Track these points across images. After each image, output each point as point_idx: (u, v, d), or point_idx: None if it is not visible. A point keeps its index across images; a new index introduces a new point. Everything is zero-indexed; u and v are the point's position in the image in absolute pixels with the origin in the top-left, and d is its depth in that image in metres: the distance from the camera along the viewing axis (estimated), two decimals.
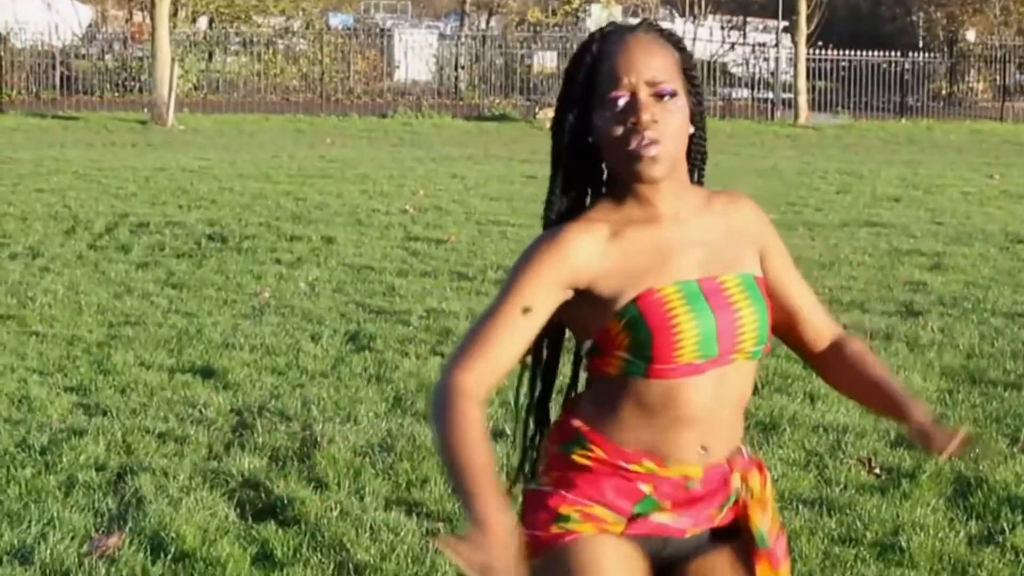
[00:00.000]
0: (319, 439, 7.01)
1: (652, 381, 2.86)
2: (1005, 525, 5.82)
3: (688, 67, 2.92)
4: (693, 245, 2.91)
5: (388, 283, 11.75)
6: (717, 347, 2.85)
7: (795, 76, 36.30)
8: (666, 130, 2.82)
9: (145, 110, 33.25)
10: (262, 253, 13.35)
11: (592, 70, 2.86)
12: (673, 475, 2.92)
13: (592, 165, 2.94)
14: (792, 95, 36.56)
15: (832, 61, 39.61)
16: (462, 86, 40.01)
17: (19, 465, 6.70)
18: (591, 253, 2.85)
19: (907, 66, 40.35)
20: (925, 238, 14.35)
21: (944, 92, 41.74)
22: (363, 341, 9.44)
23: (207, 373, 8.60)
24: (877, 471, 6.57)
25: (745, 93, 39.54)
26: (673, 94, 2.84)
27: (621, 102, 2.81)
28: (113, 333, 9.81)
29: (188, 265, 12.75)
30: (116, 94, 37.68)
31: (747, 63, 40.89)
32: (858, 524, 5.84)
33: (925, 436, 2.96)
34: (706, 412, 2.89)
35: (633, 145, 2.80)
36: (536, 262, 2.86)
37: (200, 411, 7.68)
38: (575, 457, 2.92)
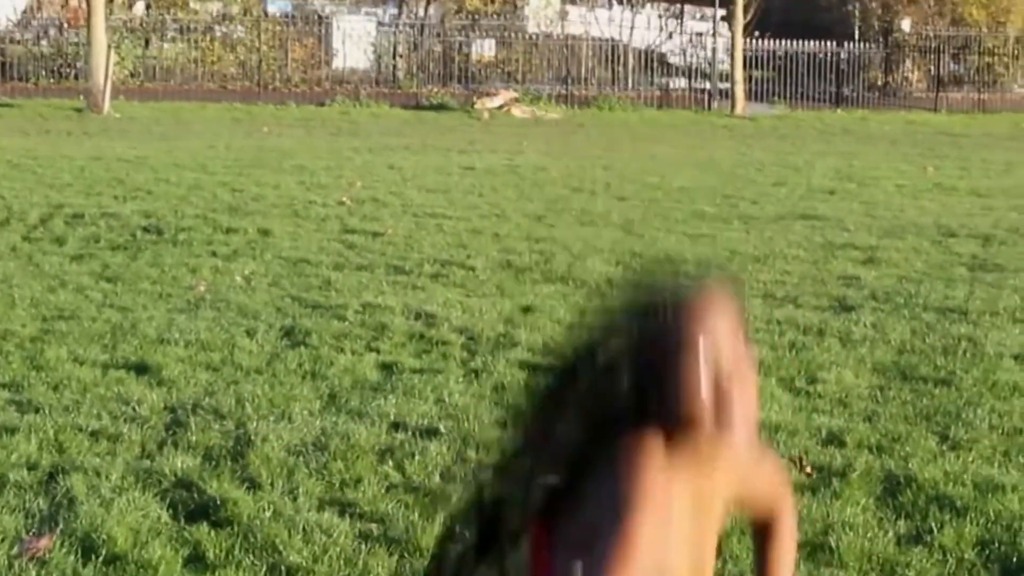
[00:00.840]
0: (253, 438, 7.00)
1: None
2: (933, 524, 5.88)
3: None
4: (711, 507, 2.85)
5: (324, 277, 11.73)
6: None
7: (732, 66, 36.44)
8: (753, 399, 2.76)
9: (81, 97, 32.99)
10: (198, 246, 13.29)
11: (669, 349, 2.71)
12: None
13: None
14: (729, 85, 36.68)
15: (769, 51, 39.77)
16: (400, 75, 39.92)
17: None
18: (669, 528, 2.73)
19: (843, 56, 40.57)
20: (859, 231, 14.44)
21: (879, 82, 42.00)
22: (298, 336, 9.43)
23: (141, 369, 8.57)
24: (808, 470, 6.63)
25: (683, 83, 39.65)
26: (751, 358, 2.80)
27: (709, 385, 2.76)
28: (47, 327, 9.75)
29: (123, 258, 12.69)
30: (51, 81, 37.37)
31: (684, 53, 40.99)
32: None
33: None
34: None
35: (728, 418, 2.69)
36: (648, 534, 2.67)
37: (134, 408, 7.66)
38: None
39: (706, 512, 2.81)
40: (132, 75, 37.73)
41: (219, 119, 31.44)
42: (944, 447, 6.99)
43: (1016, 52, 43.32)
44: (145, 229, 14.13)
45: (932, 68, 41.87)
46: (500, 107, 34.58)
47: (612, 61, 40.19)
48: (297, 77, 39.27)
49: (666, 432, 2.73)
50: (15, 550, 5.50)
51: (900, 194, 18.14)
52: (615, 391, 2.74)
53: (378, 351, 9.06)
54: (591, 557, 2.65)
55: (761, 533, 3.11)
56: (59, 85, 36.84)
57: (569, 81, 38.92)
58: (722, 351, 2.72)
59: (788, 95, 39.02)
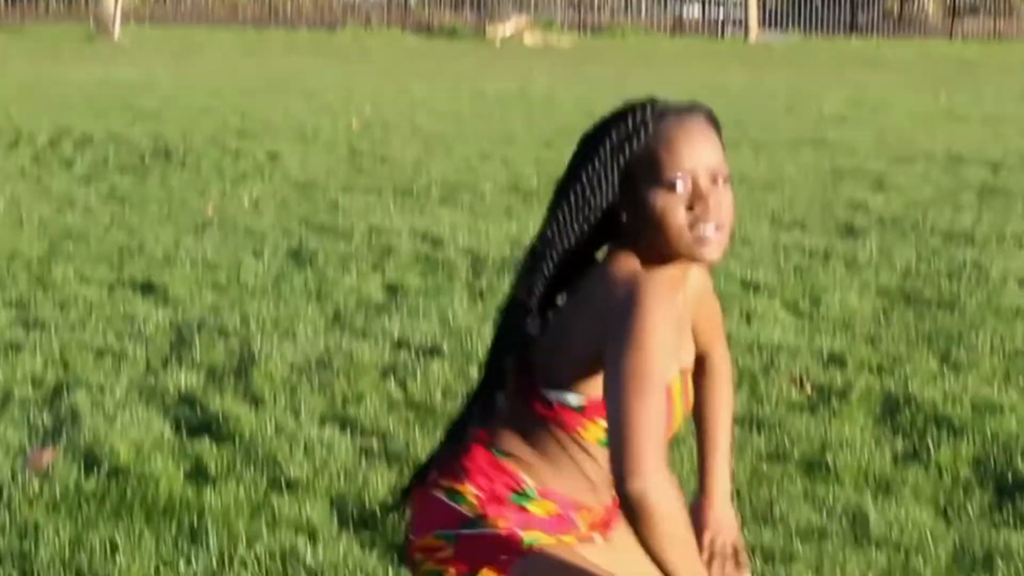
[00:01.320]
0: (257, 356, 7.04)
1: None
2: (931, 443, 5.91)
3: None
4: (684, 324, 3.03)
5: (332, 199, 11.74)
6: None
7: None
8: (727, 215, 2.88)
9: (91, 23, 32.92)
10: (206, 169, 13.30)
11: (649, 150, 2.86)
12: (595, 516, 3.05)
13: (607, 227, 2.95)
14: (743, 12, 36.50)
15: None
16: (412, 0, 39.76)
17: None
18: (674, 314, 2.87)
19: None
20: (869, 157, 14.42)
21: (895, 10, 41.76)
22: (305, 257, 9.46)
23: (147, 289, 8.61)
24: (809, 390, 6.66)
25: (697, 10, 39.47)
26: (727, 179, 2.88)
27: (685, 186, 2.84)
28: (54, 248, 9.79)
29: (131, 180, 12.70)
30: (62, 6, 37.27)
31: None
32: (787, 441, 5.92)
33: (701, 522, 3.18)
34: None
35: (700, 232, 2.85)
36: (666, 318, 2.81)
37: (139, 327, 7.70)
38: (530, 507, 2.96)
39: (681, 327, 3.01)
40: (142, 0, 37.62)
41: (229, 45, 31.38)
42: (945, 368, 7.01)
43: None
44: (154, 152, 14.14)
45: None
46: (512, 34, 34.46)
47: None
48: (308, 2, 39.13)
49: (645, 243, 2.91)
50: (19, 462, 5.55)
51: (911, 121, 18.09)
52: (603, 192, 2.90)
53: (384, 272, 9.09)
54: (612, 340, 2.78)
55: (697, 370, 3.25)
56: (69, 10, 36.76)
57: (582, 8, 38.76)
58: (699, 159, 2.86)
59: (802, 23, 38.83)
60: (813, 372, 6.93)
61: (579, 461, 2.97)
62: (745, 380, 6.77)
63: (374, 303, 8.28)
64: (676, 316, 2.89)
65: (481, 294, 8.49)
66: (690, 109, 2.92)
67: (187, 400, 6.39)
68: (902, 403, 6.41)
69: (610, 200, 2.89)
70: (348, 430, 6.01)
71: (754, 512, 5.23)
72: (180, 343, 7.39)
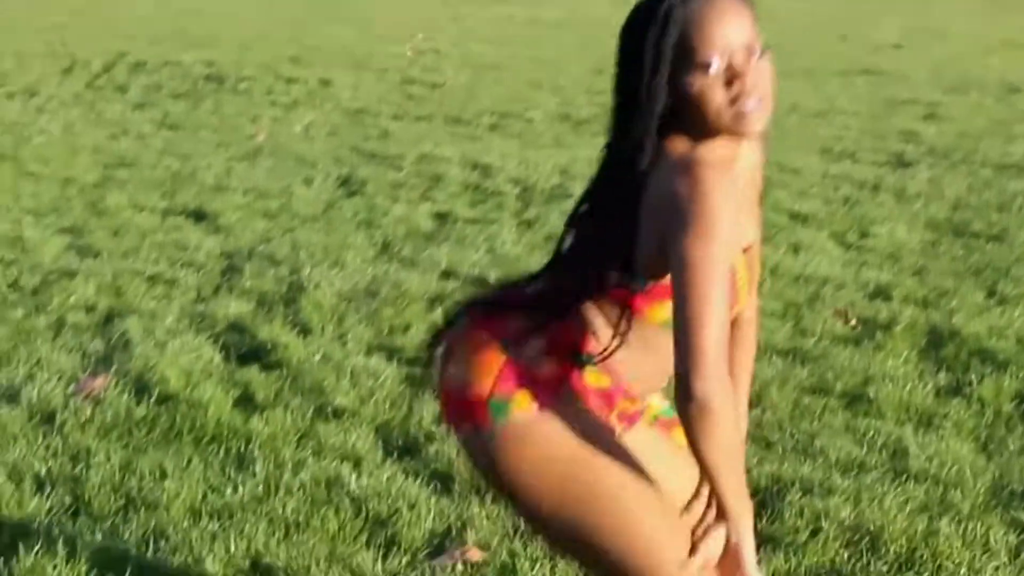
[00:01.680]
0: (306, 284, 7.11)
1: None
2: (973, 377, 5.92)
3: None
4: (744, 201, 3.04)
5: (382, 127, 11.78)
6: None
7: None
8: (767, 87, 2.91)
9: None
10: (258, 95, 13.37)
11: (683, 34, 2.88)
12: (628, 408, 3.10)
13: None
14: None
15: None
16: None
17: (11, 306, 6.81)
18: (733, 194, 2.89)
19: None
20: (922, 87, 14.33)
21: None
22: (355, 186, 9.52)
23: (199, 216, 8.69)
24: (853, 323, 6.67)
25: None
26: (763, 51, 2.91)
27: (719, 65, 2.87)
28: (108, 175, 9.89)
29: (184, 106, 12.78)
30: None
31: None
32: (829, 375, 5.95)
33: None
34: None
35: (743, 106, 2.87)
36: (728, 212, 2.82)
37: (191, 254, 7.78)
38: (588, 377, 3.02)
39: (741, 199, 2.99)
40: None
41: None
42: (991, 302, 7.00)
43: None
44: (207, 78, 14.21)
45: None
46: None
47: None
48: None
49: (692, 126, 2.93)
50: (71, 388, 5.64)
51: (968, 50, 17.94)
52: (659, 90, 2.91)
53: (433, 201, 9.13)
54: (676, 230, 2.81)
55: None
56: None
57: None
58: (731, 36, 2.89)
59: None
60: (858, 305, 6.94)
61: (637, 345, 3.03)
62: (790, 312, 6.79)
63: (423, 232, 8.33)
64: (736, 197, 2.91)
65: (529, 224, 8.53)
66: None
67: (236, 328, 6.47)
68: (946, 336, 6.42)
69: (666, 94, 2.92)
70: (394, 359, 6.07)
71: (795, 445, 5.27)
72: (231, 271, 7.47)
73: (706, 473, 2.88)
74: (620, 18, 2.98)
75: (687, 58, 2.87)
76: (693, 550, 2.97)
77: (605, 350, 3.00)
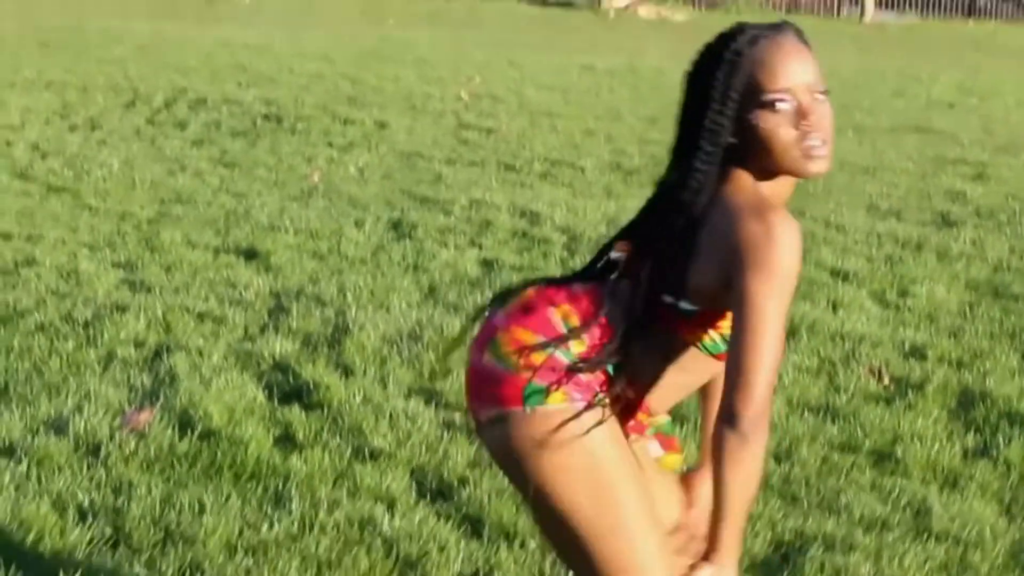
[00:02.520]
0: (351, 326, 7.26)
1: (711, 359, 3.17)
2: (1001, 439, 6.02)
3: None
4: None
5: (436, 171, 11.95)
6: None
7: None
8: (829, 128, 3.06)
9: None
10: (315, 135, 13.57)
11: (749, 74, 3.04)
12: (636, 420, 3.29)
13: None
14: None
15: None
16: None
17: (63, 338, 7.00)
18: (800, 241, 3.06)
19: None
20: (972, 147, 14.38)
21: None
22: (405, 229, 9.68)
23: (251, 255, 8.87)
24: (886, 381, 6.77)
25: None
26: (825, 93, 3.05)
27: (787, 105, 3.02)
28: (163, 210, 10.09)
29: (242, 144, 13.00)
30: None
31: None
32: (859, 432, 6.05)
33: (690, 495, 3.38)
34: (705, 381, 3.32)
35: (807, 145, 3.03)
36: (799, 260, 3.01)
37: (240, 292, 7.96)
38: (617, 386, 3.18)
39: None
40: None
41: (347, 8, 31.65)
42: None
43: None
44: (265, 116, 14.43)
45: None
46: (627, 6, 34.44)
47: None
48: None
49: (755, 164, 3.08)
50: (117, 421, 5.81)
51: (1020, 111, 17.96)
52: (725, 128, 3.08)
53: (480, 247, 9.29)
54: (747, 270, 2.97)
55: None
56: None
57: None
58: (797, 76, 3.05)
59: (920, 3, 38.47)
60: (893, 364, 7.04)
61: (676, 366, 3.19)
62: (824, 369, 6.90)
63: (469, 278, 8.48)
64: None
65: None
66: (780, 29, 3.11)
67: (281, 367, 6.63)
68: (977, 398, 6.52)
69: (730, 132, 3.07)
70: (433, 403, 6.22)
71: (820, 501, 5.38)
72: (278, 310, 7.64)
73: (719, 503, 3.01)
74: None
75: (755, 97, 3.03)
76: None
77: (637, 364, 3.14)
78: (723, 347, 3.10)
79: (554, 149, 13.26)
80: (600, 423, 3.10)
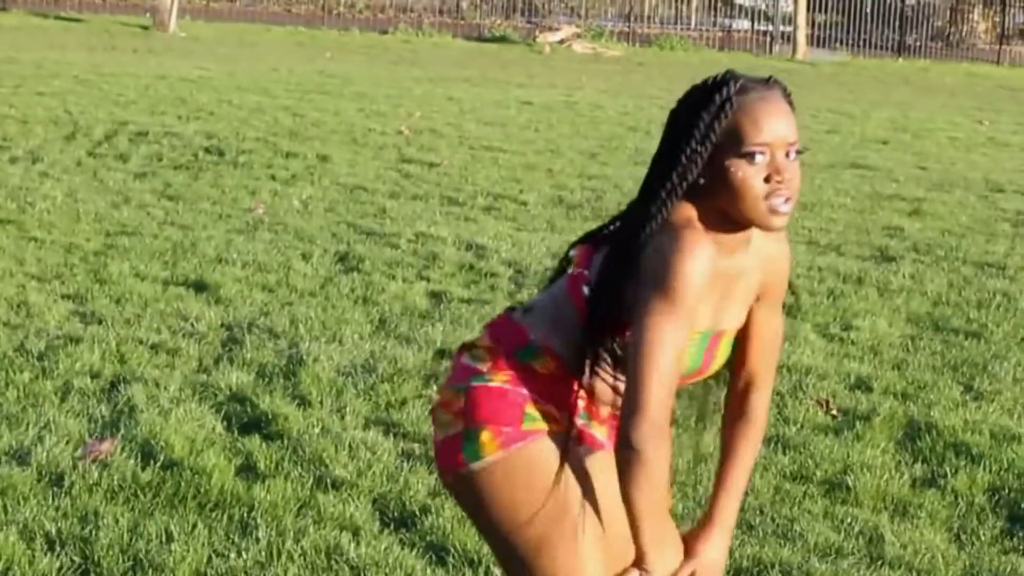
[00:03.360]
0: (305, 357, 7.32)
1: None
2: (948, 469, 6.16)
3: None
4: (736, 290, 3.28)
5: (380, 204, 12.03)
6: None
7: (795, 9, 36.38)
8: (796, 187, 3.16)
9: (147, 15, 33.34)
10: (258, 168, 13.62)
11: (733, 122, 3.12)
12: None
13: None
14: (792, 29, 36.66)
15: None
16: (464, 5, 40.07)
17: (17, 369, 7.02)
18: (711, 270, 3.13)
19: (908, 3, 40.44)
20: (908, 183, 14.63)
21: (945, 32, 41.82)
22: (352, 262, 9.75)
23: (200, 287, 8.91)
24: (834, 412, 6.91)
25: (746, 24, 39.64)
26: (800, 152, 3.15)
27: (763, 159, 3.11)
28: (110, 242, 10.11)
29: (185, 177, 13.03)
30: None
31: None
32: (810, 462, 6.18)
33: (691, 550, 3.35)
34: None
35: (774, 201, 3.11)
36: (697, 283, 3.08)
37: (192, 324, 8.00)
38: (533, 364, 3.25)
39: (732, 286, 3.25)
40: None
41: (282, 42, 31.74)
42: (967, 397, 7.25)
43: None
44: (207, 150, 14.46)
45: (999, 20, 41.63)
46: (562, 42, 34.70)
47: (676, 0, 40.21)
48: (361, 3, 39.48)
49: (715, 204, 3.16)
50: (79, 452, 5.85)
51: (953, 147, 18.27)
52: (697, 166, 3.16)
53: (428, 280, 9.37)
54: (645, 283, 3.09)
55: (737, 411, 3.45)
56: (126, 2, 37.20)
57: (632, 18, 39.00)
58: (778, 132, 3.13)
59: (851, 41, 38.97)
60: (839, 395, 7.18)
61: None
62: (774, 401, 7.02)
63: (418, 310, 8.56)
64: (720, 275, 3.15)
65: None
66: (768, 84, 3.20)
67: (238, 398, 6.68)
68: (923, 429, 6.65)
69: (702, 171, 3.16)
70: (391, 434, 6.29)
71: (776, 529, 5.49)
72: (231, 342, 7.69)
73: (630, 517, 3.12)
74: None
75: (736, 145, 3.10)
76: None
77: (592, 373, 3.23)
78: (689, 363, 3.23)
79: (496, 183, 13.38)
80: (533, 459, 3.21)
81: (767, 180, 3.11)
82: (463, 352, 3.36)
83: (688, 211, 3.15)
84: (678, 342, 3.06)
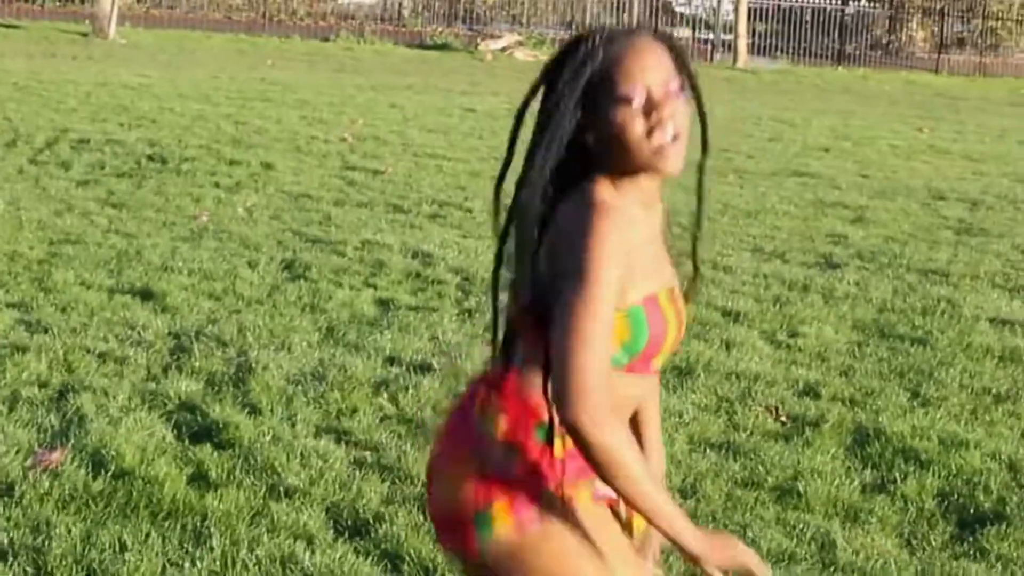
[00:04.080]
0: (254, 366, 7.30)
1: (624, 375, 3.04)
2: (897, 475, 6.20)
3: (684, 64, 3.09)
4: (662, 246, 3.15)
5: (325, 212, 12.01)
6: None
7: (736, 18, 36.57)
8: (682, 124, 3.02)
9: (87, 22, 33.13)
10: (201, 176, 13.56)
11: (604, 71, 3.01)
12: None
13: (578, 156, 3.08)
14: (732, 37, 36.84)
15: (773, 4, 39.94)
16: (405, 13, 40.06)
17: None
18: (632, 238, 2.97)
19: (848, 12, 40.73)
20: (850, 190, 14.72)
21: (883, 41, 42.15)
22: (298, 270, 9.72)
23: (146, 295, 8.86)
24: (783, 419, 6.94)
25: (687, 33, 39.80)
26: (682, 88, 3.09)
27: (640, 100, 3.00)
28: (54, 251, 10.04)
29: (128, 185, 12.95)
30: (58, 4, 37.49)
31: (690, 1, 41.13)
32: (760, 469, 6.20)
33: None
34: (631, 404, 3.18)
35: (658, 140, 2.98)
36: (612, 243, 2.92)
37: (139, 333, 7.95)
38: (557, 448, 3.04)
39: (658, 249, 3.11)
40: (138, 1, 37.84)
41: (223, 49, 31.62)
42: (914, 403, 7.30)
43: (1021, 17, 43.48)
44: (150, 157, 14.39)
45: (936, 29, 41.98)
46: (503, 49, 34.76)
47: (617, 8, 40.35)
48: (303, 10, 39.39)
49: (612, 164, 3.03)
50: (29, 462, 5.80)
51: (894, 155, 18.40)
52: (565, 118, 3.01)
53: (375, 287, 9.35)
54: (560, 271, 2.93)
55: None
56: (65, 8, 36.98)
57: (573, 26, 39.07)
58: (651, 73, 3.01)
59: (791, 50, 39.20)
60: (788, 402, 7.21)
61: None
62: (723, 408, 7.05)
63: (366, 318, 8.54)
64: (640, 241, 2.99)
65: (470, 313, 8.76)
66: (636, 30, 3.08)
67: (187, 407, 6.65)
68: (872, 435, 6.70)
69: (573, 124, 3.02)
70: (342, 442, 6.28)
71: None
72: (179, 350, 7.65)
73: (640, 515, 2.96)
74: None
75: (609, 92, 2.99)
76: None
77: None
78: (624, 360, 3.05)
79: (441, 191, 13.37)
80: (548, 532, 3.04)
81: (647, 118, 2.99)
82: (473, 401, 3.14)
83: (595, 187, 3.02)
84: (604, 319, 2.88)
